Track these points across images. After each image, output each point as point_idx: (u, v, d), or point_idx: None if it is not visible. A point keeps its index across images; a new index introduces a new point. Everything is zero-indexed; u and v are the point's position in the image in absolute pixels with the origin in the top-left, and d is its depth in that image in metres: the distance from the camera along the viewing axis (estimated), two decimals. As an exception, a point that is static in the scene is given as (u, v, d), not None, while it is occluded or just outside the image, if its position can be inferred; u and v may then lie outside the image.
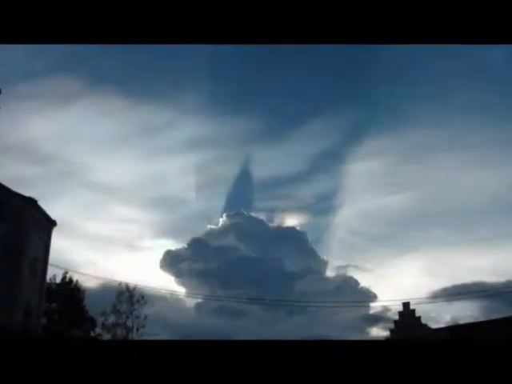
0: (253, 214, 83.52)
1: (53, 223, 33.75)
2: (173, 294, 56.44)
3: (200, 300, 67.32)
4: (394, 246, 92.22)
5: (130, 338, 42.52)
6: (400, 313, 37.62)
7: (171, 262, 75.92)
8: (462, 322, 38.93)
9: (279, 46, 68.23)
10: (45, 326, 35.85)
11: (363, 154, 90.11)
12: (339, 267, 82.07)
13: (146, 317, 43.66)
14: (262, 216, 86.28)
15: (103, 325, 42.90)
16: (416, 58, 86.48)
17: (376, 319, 57.35)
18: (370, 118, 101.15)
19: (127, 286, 44.11)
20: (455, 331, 32.79)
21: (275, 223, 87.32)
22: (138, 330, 43.31)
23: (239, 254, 76.94)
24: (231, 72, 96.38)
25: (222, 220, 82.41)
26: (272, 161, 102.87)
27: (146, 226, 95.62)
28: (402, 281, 77.42)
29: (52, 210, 33.59)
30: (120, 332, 43.13)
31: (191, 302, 68.57)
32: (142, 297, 44.06)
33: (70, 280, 42.31)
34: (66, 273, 42.05)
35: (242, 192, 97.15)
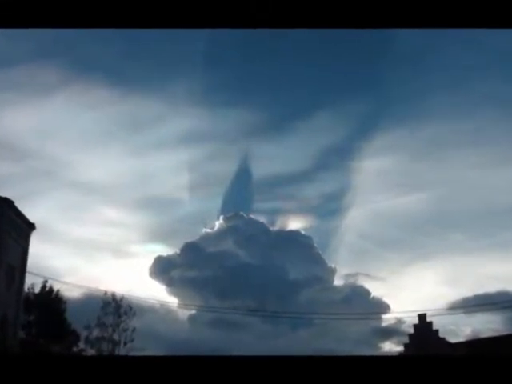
0: (252, 217, 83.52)
1: (31, 226, 33.80)
2: (164, 305, 56.51)
3: (194, 311, 67.30)
4: (409, 252, 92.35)
5: (116, 353, 42.59)
6: (415, 326, 37.71)
7: (162, 269, 76.00)
8: (483, 335, 39.07)
9: (281, 31, 68.31)
10: (22, 339, 35.90)
11: (374, 151, 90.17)
12: (348, 275, 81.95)
13: (134, 330, 43.78)
14: (262, 218, 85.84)
15: (87, 339, 43.00)
16: (432, 44, 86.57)
17: (389, 333, 57.41)
18: (381, 111, 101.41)
19: (113, 296, 44.24)
20: (476, 346, 32.83)
21: (277, 226, 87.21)
22: (125, 344, 43.43)
23: (237, 260, 77.08)
24: (228, 59, 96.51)
25: (218, 223, 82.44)
26: (273, 157, 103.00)
27: (134, 230, 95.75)
28: (418, 290, 77.53)
29: (30, 211, 33.69)
30: (105, 347, 43.21)
31: (184, 314, 68.55)
32: (130, 308, 44.18)
33: (51, 289, 42.37)
34: (46, 281, 42.13)
35: (240, 192, 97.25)
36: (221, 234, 80.00)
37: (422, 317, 37.44)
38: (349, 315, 51.92)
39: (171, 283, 74.91)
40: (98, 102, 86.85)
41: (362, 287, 75.34)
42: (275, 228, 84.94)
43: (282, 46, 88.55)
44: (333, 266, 79.40)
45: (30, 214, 33.35)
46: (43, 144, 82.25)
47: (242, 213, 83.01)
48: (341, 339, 56.75)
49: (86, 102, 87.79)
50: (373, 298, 72.03)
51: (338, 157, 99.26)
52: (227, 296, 68.16)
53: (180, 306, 67.18)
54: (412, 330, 38.16)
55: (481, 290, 76.90)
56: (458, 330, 51.00)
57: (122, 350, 43.10)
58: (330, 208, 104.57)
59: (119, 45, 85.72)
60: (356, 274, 79.79)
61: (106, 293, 43.93)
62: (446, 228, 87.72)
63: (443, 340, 36.43)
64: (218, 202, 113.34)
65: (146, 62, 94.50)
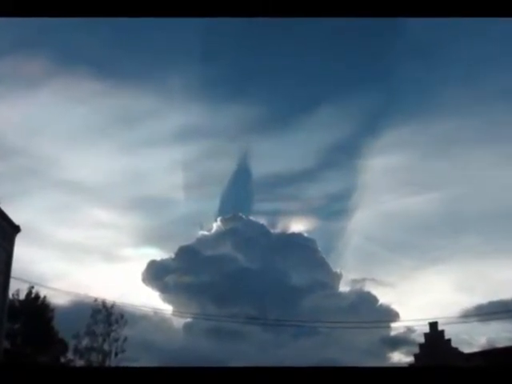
0: (252, 218, 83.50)
1: (16, 229, 33.77)
2: (157, 313, 56.32)
3: (189, 319, 67.19)
4: (419, 256, 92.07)
5: (107, 364, 42.62)
6: (426, 335, 37.74)
7: (156, 274, 75.96)
8: (499, 345, 39.06)
9: (283, 22, 68.27)
10: (7, 350, 35.89)
11: (382, 148, 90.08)
12: (354, 281, 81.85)
13: (125, 339, 43.82)
14: (262, 220, 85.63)
15: (76, 349, 43.04)
16: (444, 35, 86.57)
17: (398, 342, 57.41)
18: (390, 105, 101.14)
19: (104, 303, 44.28)
20: (492, 356, 32.84)
21: (278, 228, 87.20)
22: (116, 354, 43.47)
23: (236, 264, 77.01)
24: (227, 50, 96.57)
25: (215, 225, 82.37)
26: (275, 155, 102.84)
27: (126, 232, 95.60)
28: (429, 297, 77.49)
29: (15, 213, 33.63)
30: (95, 357, 43.25)
31: (179, 322, 68.39)
32: (122, 316, 44.23)
33: (37, 296, 42.37)
34: (32, 287, 42.08)
35: (239, 192, 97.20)
36: (218, 237, 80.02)
37: (433, 325, 37.44)
38: (355, 323, 51.85)
39: (165, 289, 74.93)
40: (87, 96, 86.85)
41: (369, 293, 75.38)
42: (276, 230, 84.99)
43: (284, 37, 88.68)
44: (338, 270, 79.43)
45: (15, 215, 33.29)
46: (28, 141, 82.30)
47: (240, 214, 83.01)
48: (347, 349, 56.79)
49: (74, 95, 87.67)
50: (381, 305, 72.06)
51: (343, 155, 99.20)
52: (225, 303, 68.21)
53: (175, 313, 67.17)
54: (423, 340, 38.18)
55: (496, 297, 76.70)
56: (472, 339, 50.94)
57: (112, 361, 43.18)
58: (335, 209, 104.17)
59: (110, 35, 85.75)
60: (363, 280, 79.83)
61: (95, 299, 43.96)
62: (459, 230, 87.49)
63: (456, 350, 36.44)
64: (215, 203, 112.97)
65: (139, 54, 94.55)
